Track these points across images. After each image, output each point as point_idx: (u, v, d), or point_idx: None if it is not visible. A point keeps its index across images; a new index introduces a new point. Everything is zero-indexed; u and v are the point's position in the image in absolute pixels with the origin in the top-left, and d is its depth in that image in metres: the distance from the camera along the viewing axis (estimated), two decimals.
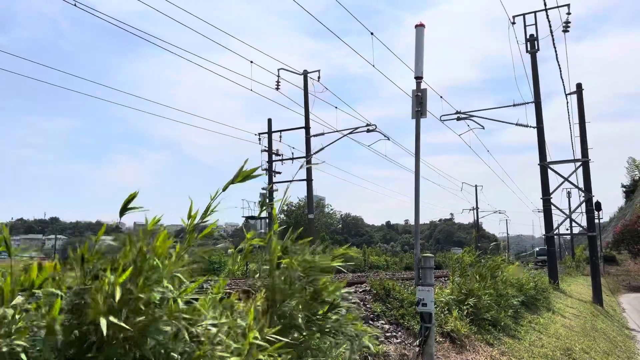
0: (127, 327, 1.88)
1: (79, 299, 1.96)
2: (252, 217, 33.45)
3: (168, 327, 2.02)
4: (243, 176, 2.55)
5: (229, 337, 2.20)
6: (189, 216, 2.38)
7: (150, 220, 2.23)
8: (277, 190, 31.00)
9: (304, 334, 2.61)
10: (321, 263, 2.86)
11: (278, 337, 2.36)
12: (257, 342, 2.23)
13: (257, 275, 2.93)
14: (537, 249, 61.38)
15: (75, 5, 13.20)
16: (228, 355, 2.10)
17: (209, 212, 2.43)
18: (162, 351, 2.01)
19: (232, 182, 2.55)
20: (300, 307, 2.69)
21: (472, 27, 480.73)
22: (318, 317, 2.73)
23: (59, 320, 1.88)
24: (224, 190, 2.49)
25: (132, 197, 2.21)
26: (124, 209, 2.21)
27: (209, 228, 2.46)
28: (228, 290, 3.17)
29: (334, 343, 2.74)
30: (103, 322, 1.83)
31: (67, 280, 2.04)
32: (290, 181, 30.19)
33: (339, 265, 2.97)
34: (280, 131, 30.93)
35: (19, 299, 1.86)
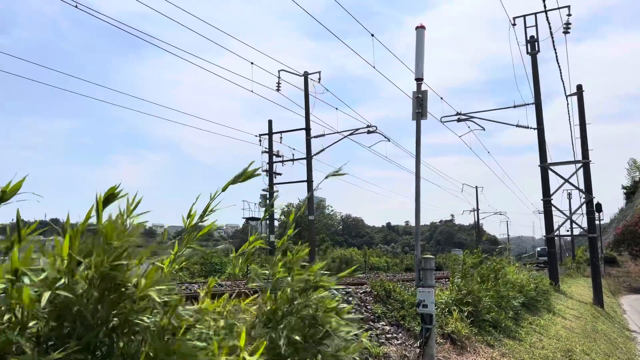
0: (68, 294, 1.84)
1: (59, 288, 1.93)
2: (253, 219, 33.47)
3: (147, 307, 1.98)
4: (246, 176, 2.56)
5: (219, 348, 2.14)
6: (189, 215, 2.42)
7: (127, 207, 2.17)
8: (277, 191, 31.03)
9: (300, 354, 2.52)
10: (324, 284, 2.78)
11: None
12: None
13: (255, 283, 2.85)
14: (539, 249, 61.14)
15: (76, 6, 13.23)
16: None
17: (207, 212, 2.46)
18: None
19: (234, 182, 2.56)
20: (299, 325, 2.57)
21: (473, 28, 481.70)
22: (315, 339, 2.59)
23: (30, 307, 1.82)
24: (223, 190, 2.50)
25: (112, 191, 2.18)
26: (107, 202, 2.18)
27: (207, 227, 2.50)
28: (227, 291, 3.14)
29: None
30: (45, 295, 1.80)
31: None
32: (298, 182, 30.21)
33: (342, 289, 2.86)
34: (281, 132, 30.99)
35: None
